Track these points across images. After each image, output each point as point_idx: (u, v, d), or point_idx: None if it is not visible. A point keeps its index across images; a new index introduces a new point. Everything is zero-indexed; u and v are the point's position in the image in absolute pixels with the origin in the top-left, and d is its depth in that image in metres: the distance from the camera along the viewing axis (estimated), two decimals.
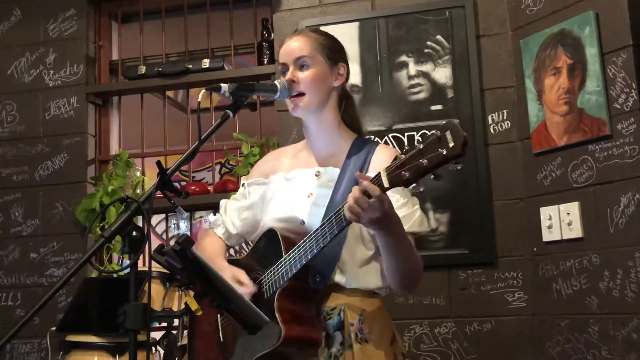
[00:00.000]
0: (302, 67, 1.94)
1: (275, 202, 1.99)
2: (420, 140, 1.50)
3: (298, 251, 1.77)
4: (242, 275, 1.89)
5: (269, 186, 2.04)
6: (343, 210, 1.64)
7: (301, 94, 1.93)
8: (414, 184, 1.50)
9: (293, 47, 1.97)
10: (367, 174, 1.65)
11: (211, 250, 2.08)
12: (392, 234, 1.69)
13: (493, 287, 3.15)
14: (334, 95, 1.99)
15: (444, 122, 1.46)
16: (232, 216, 2.11)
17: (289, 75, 1.94)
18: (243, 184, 2.13)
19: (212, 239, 2.13)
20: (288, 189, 1.98)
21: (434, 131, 1.46)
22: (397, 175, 1.51)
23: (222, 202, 2.17)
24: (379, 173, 1.55)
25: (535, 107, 3.09)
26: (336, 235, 1.69)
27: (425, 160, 1.45)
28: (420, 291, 3.17)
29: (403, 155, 1.50)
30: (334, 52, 1.99)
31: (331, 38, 2.04)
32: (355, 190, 1.58)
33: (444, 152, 1.43)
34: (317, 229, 1.73)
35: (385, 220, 1.62)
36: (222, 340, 1.94)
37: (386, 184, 1.54)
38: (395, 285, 1.85)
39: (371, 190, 1.56)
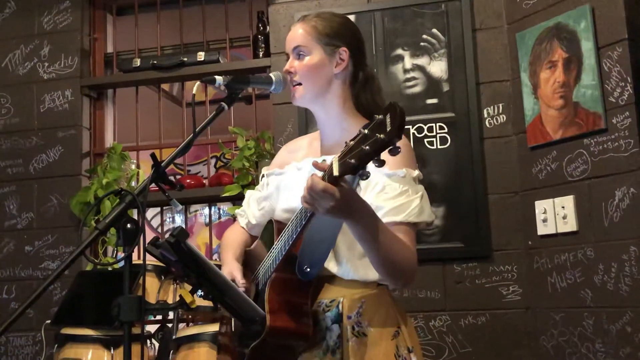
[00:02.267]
0: (299, 56, 1.92)
1: (284, 192, 1.97)
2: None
3: (281, 242, 1.75)
4: (236, 272, 1.89)
5: (284, 176, 2.02)
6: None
7: (298, 85, 1.91)
8: (361, 171, 1.42)
9: (292, 36, 1.94)
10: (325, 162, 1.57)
11: (227, 242, 2.09)
12: (359, 223, 1.62)
13: (488, 280, 3.16)
14: (336, 83, 1.92)
15: (388, 103, 1.39)
16: (252, 207, 2.11)
17: (287, 65, 1.93)
18: (263, 175, 2.12)
19: (235, 231, 2.13)
20: (299, 178, 1.93)
21: (377, 115, 1.40)
22: (344, 163, 1.44)
23: (247, 193, 2.17)
24: (332, 161, 1.50)
25: (531, 101, 3.09)
26: (304, 226, 1.65)
27: (367, 146, 1.39)
28: (415, 284, 3.18)
29: (351, 142, 1.44)
30: (332, 37, 1.91)
31: (332, 22, 1.96)
32: (307, 181, 1.53)
33: (382, 137, 1.36)
34: (292, 219, 1.70)
35: (344, 210, 1.55)
36: (232, 330, 1.96)
37: (336, 172, 1.47)
38: (382, 276, 1.78)
39: (315, 183, 1.51)
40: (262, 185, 2.10)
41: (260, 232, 2.10)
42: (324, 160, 1.85)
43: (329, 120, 1.96)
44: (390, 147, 1.37)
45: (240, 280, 1.87)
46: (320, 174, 1.53)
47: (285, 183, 1.99)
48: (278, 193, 2.01)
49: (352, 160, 1.41)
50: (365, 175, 1.43)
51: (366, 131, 1.40)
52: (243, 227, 2.12)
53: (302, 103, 1.96)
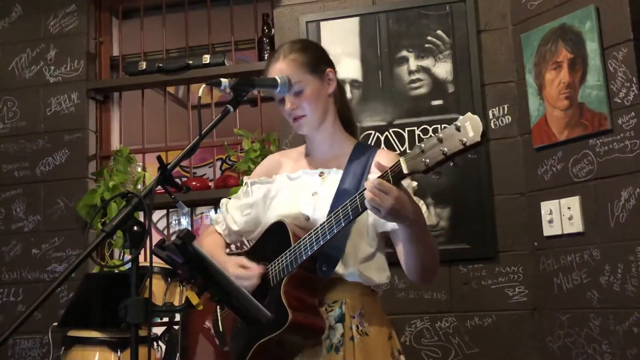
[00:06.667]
0: (295, 93, 1.99)
1: (280, 200, 2.03)
2: (436, 131, 1.55)
3: (309, 239, 1.80)
4: (244, 260, 1.93)
5: (272, 185, 2.08)
6: (358, 199, 1.69)
7: (303, 116, 2.00)
8: (433, 171, 1.56)
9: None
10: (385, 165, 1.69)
11: (212, 245, 2.12)
12: (414, 224, 1.72)
13: (494, 281, 3.16)
14: (331, 101, 2.07)
15: (465, 115, 1.53)
16: (233, 214, 2.15)
17: (288, 105, 2.00)
18: (246, 183, 2.17)
19: (213, 236, 2.18)
20: (293, 187, 2.03)
21: (455, 122, 1.52)
22: (416, 162, 1.56)
23: (223, 201, 2.22)
24: (399, 160, 1.61)
25: (536, 102, 3.09)
26: (350, 221, 1.73)
27: (445, 148, 1.51)
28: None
29: (422, 144, 1.56)
30: (317, 63, 2.03)
31: (308, 49, 2.07)
32: (370, 182, 1.64)
33: (464, 141, 1.49)
34: (330, 217, 1.77)
35: (404, 210, 1.65)
36: (221, 330, 1.96)
37: (405, 170, 1.59)
38: (416, 277, 1.88)
39: (382, 181, 1.62)
40: (246, 193, 2.14)
41: (237, 239, 2.20)
42: (322, 172, 2.00)
43: (324, 139, 2.08)
44: (473, 150, 1.51)
45: (249, 264, 1.90)
46: (375, 175, 1.66)
47: (277, 191, 2.06)
48: (266, 201, 2.07)
49: (427, 160, 1.54)
50: (436, 174, 1.61)
51: (440, 135, 1.54)
52: (220, 234, 2.17)
53: (309, 131, 2.06)
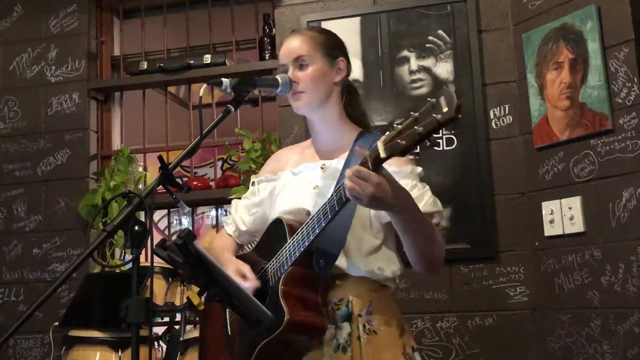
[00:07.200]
0: (301, 66, 1.97)
1: (282, 196, 2.02)
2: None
3: (300, 235, 1.77)
4: (245, 268, 1.91)
5: (277, 182, 2.07)
6: (342, 189, 1.63)
7: (301, 92, 1.96)
8: (411, 152, 1.48)
9: (291, 47, 1.99)
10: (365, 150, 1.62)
11: (219, 245, 2.12)
12: (403, 210, 1.67)
13: (495, 281, 3.16)
14: (336, 90, 2.02)
15: (442, 89, 1.45)
16: (242, 214, 2.14)
17: (290, 76, 1.97)
18: (253, 182, 2.16)
19: (222, 237, 2.17)
20: (295, 182, 2.01)
21: (430, 99, 1.44)
22: (393, 144, 1.49)
23: (233, 202, 2.21)
24: (376, 144, 1.54)
25: (537, 102, 3.09)
26: (337, 212, 1.67)
27: (421, 128, 1.43)
28: (422, 286, 3.18)
29: (400, 125, 1.48)
30: (331, 47, 2.01)
31: (328, 34, 2.07)
32: (350, 170, 1.58)
33: (438, 117, 1.40)
34: (318, 211, 1.73)
35: (387, 198, 1.59)
36: (229, 333, 1.96)
37: (383, 154, 1.51)
38: (420, 267, 1.81)
39: (359, 168, 1.56)
40: (253, 193, 2.14)
41: (248, 239, 2.17)
42: (324, 164, 1.93)
43: (326, 126, 2.04)
44: (449, 125, 1.41)
45: (249, 275, 1.88)
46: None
47: (281, 188, 2.04)
48: (272, 198, 2.06)
49: (403, 142, 1.46)
50: (415, 157, 1.49)
51: (417, 114, 1.45)
52: (230, 235, 2.16)
53: (306, 111, 2.02)
